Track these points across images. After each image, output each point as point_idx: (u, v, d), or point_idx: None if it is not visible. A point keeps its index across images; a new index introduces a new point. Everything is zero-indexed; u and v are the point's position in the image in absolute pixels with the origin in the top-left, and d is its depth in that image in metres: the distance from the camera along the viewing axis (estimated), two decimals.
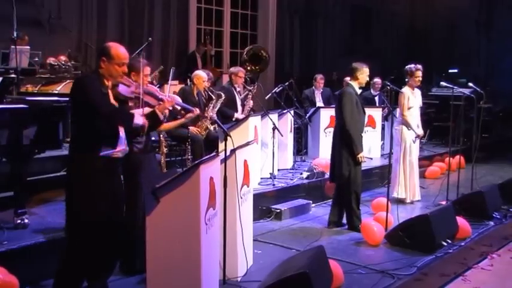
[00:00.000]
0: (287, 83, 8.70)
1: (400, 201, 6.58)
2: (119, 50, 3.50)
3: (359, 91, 5.66)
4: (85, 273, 3.55)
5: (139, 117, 3.59)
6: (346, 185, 5.53)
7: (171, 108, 4.00)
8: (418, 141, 6.85)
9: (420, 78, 6.61)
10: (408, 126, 6.61)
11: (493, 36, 14.82)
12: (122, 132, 3.57)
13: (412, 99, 6.60)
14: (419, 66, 6.61)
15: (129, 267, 4.16)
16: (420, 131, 6.80)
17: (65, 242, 3.58)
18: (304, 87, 9.97)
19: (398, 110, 6.75)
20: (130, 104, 3.80)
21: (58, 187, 5.37)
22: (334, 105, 8.90)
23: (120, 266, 4.20)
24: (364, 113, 5.70)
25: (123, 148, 3.58)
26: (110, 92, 3.52)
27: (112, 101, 3.52)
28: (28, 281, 3.83)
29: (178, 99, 4.58)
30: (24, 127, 4.39)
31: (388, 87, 6.97)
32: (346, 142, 5.44)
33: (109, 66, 3.47)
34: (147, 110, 3.82)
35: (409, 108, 6.56)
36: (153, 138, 4.94)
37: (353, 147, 5.40)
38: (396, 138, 6.67)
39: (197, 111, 4.82)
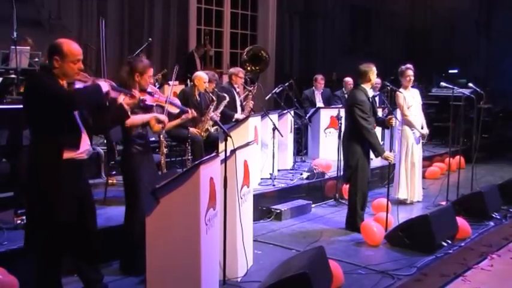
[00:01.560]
0: (287, 84, 8.70)
1: (402, 202, 6.58)
2: (71, 46, 3.32)
3: (371, 93, 5.59)
4: (59, 273, 3.48)
5: (104, 85, 3.39)
6: (353, 184, 5.53)
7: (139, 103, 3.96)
8: (420, 142, 6.82)
9: (411, 78, 6.57)
10: (411, 126, 6.59)
11: (492, 36, 14.83)
12: (84, 133, 3.45)
13: (410, 98, 6.58)
14: (409, 66, 6.60)
15: (128, 268, 4.16)
16: (424, 131, 6.76)
17: None
18: (304, 87, 9.98)
19: (398, 111, 6.73)
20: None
21: None
22: (334, 106, 9.00)
23: (120, 266, 4.21)
24: (375, 114, 5.64)
25: (86, 149, 3.47)
26: None
27: None
28: (28, 281, 3.83)
29: (177, 101, 4.60)
30: (24, 127, 4.39)
31: (388, 88, 6.96)
32: (355, 142, 5.44)
33: (63, 64, 3.28)
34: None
35: (408, 108, 6.55)
36: (152, 139, 4.94)
37: (374, 153, 5.43)
38: (398, 139, 6.66)
39: (193, 112, 4.80)
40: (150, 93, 4.26)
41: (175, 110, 4.63)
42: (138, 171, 4.12)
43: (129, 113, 3.90)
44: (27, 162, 3.39)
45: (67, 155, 3.32)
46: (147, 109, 4.24)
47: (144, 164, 4.20)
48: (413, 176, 6.74)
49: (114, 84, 3.67)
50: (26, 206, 3.44)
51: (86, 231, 3.57)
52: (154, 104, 4.33)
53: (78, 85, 3.39)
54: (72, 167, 3.36)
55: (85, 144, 3.44)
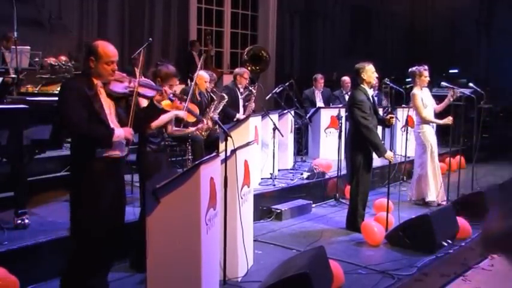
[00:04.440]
0: (287, 83, 8.70)
1: (427, 204, 6.55)
2: (106, 48, 3.41)
3: (370, 92, 5.58)
4: (89, 271, 3.51)
5: (121, 134, 3.43)
6: (355, 184, 5.52)
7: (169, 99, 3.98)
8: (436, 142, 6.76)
9: (428, 78, 6.57)
10: (433, 122, 6.52)
11: (493, 35, 14.82)
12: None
13: (425, 98, 6.56)
14: (426, 67, 6.57)
15: (141, 265, 4.15)
16: (445, 120, 6.64)
17: (67, 242, 3.58)
18: (304, 87, 9.98)
19: (415, 112, 6.63)
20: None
21: (58, 187, 5.38)
22: (334, 106, 9.00)
23: (130, 263, 4.23)
24: (377, 114, 5.63)
25: (121, 149, 3.52)
26: (100, 90, 3.43)
27: (103, 99, 3.43)
28: (28, 281, 3.83)
29: (195, 111, 4.62)
30: (25, 127, 4.39)
31: (386, 85, 6.93)
32: (358, 143, 5.44)
33: (98, 65, 3.38)
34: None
35: (425, 107, 6.50)
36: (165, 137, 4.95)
37: (376, 153, 5.41)
38: (419, 141, 6.59)
39: (207, 124, 4.83)
40: (170, 99, 4.26)
41: (192, 119, 4.66)
42: (152, 170, 4.15)
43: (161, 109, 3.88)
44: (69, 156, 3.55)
45: (100, 154, 3.40)
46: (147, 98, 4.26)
47: (159, 163, 4.26)
48: (440, 176, 6.65)
49: (147, 82, 3.73)
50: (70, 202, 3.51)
51: (112, 229, 3.56)
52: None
53: (113, 85, 3.47)
54: (106, 164, 3.43)
55: (119, 143, 3.48)
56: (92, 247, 3.44)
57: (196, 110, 4.79)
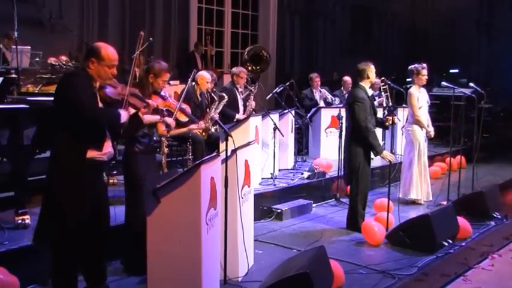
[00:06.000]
0: (288, 83, 8.70)
1: (413, 203, 6.58)
2: (108, 51, 3.41)
3: (370, 91, 5.59)
4: (74, 272, 3.51)
5: (124, 115, 3.51)
6: (354, 184, 5.52)
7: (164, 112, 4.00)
8: (427, 141, 6.79)
9: (426, 77, 6.58)
10: (422, 126, 6.56)
11: (493, 36, 14.83)
12: (108, 136, 3.52)
13: (421, 98, 6.58)
14: (424, 65, 6.59)
15: (130, 268, 4.16)
16: (431, 130, 6.71)
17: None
18: (305, 87, 9.98)
19: (408, 110, 6.67)
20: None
21: None
22: (334, 106, 9.00)
23: (122, 266, 4.21)
24: (375, 113, 5.62)
25: (109, 151, 3.53)
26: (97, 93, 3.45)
27: (99, 102, 3.45)
28: (28, 281, 3.83)
29: (188, 110, 4.61)
30: (25, 127, 4.39)
31: (386, 85, 6.93)
32: (357, 143, 5.43)
33: (98, 67, 3.38)
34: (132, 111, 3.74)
35: (420, 108, 6.53)
36: (154, 139, 4.94)
37: (373, 152, 5.41)
38: (409, 140, 6.62)
39: (202, 125, 4.80)
40: (162, 97, 4.26)
41: (185, 119, 4.64)
42: (139, 170, 4.12)
43: (144, 123, 3.91)
44: (50, 156, 3.48)
45: (89, 154, 3.39)
46: (157, 112, 4.24)
47: (146, 164, 4.20)
48: (426, 176, 6.71)
49: (136, 92, 3.74)
50: (44, 201, 3.47)
51: (97, 230, 3.58)
52: (165, 109, 4.30)
53: (109, 89, 3.47)
54: (91, 166, 3.41)
55: (108, 146, 3.50)
56: (70, 251, 3.41)
57: (189, 110, 4.75)
